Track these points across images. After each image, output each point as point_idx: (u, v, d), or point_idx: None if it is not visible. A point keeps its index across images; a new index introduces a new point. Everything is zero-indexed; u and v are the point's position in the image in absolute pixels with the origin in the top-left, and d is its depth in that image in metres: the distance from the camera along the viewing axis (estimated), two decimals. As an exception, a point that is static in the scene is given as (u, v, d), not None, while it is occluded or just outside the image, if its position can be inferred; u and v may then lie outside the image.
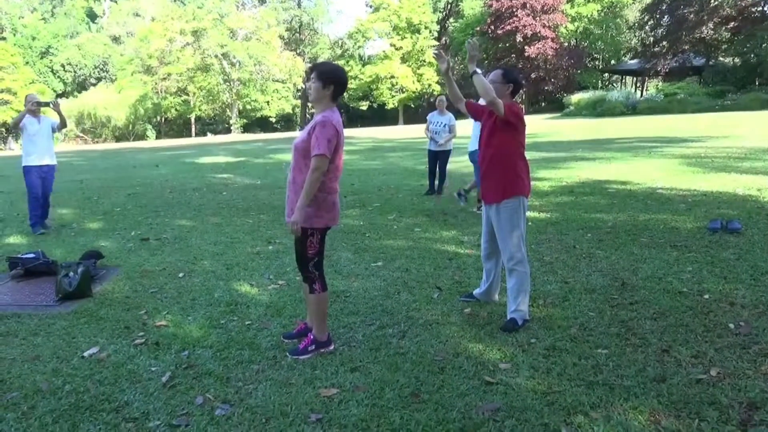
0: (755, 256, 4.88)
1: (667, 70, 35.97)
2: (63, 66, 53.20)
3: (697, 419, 2.52)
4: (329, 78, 3.18)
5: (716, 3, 34.16)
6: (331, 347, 3.42)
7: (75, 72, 53.77)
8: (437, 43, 50.60)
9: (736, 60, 35.73)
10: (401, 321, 3.83)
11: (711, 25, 34.43)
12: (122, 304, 4.37)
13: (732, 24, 33.91)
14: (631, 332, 3.48)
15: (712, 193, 7.80)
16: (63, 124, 7.33)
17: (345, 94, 3.43)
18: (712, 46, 35.85)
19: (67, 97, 50.62)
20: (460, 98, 3.97)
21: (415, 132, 27.63)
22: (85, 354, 3.46)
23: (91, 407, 2.84)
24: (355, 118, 52.38)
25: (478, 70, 3.53)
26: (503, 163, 3.68)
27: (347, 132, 33.36)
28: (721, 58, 36.67)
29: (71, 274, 4.51)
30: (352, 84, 47.25)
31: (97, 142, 46.50)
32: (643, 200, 7.59)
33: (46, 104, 7.20)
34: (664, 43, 36.49)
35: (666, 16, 36.88)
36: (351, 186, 10.53)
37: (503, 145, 3.67)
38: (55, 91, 50.99)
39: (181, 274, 5.14)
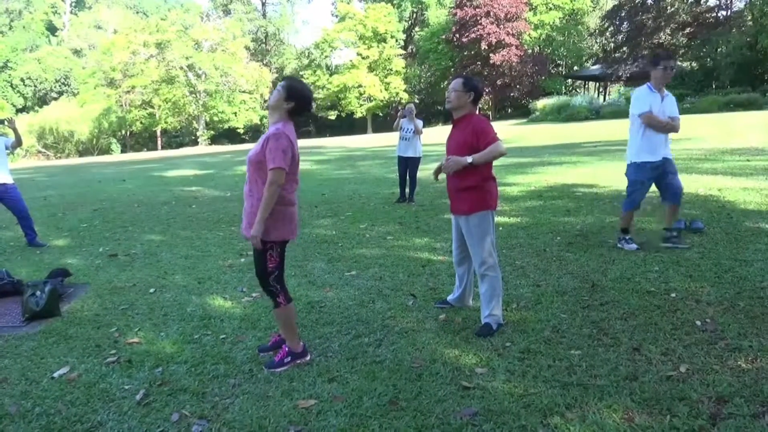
0: (718, 254, 5.03)
1: (628, 75, 36.85)
2: (23, 80, 51.85)
3: (669, 415, 2.58)
4: (294, 95, 3.18)
5: (672, 9, 35.24)
6: (308, 358, 3.41)
7: (35, 86, 52.45)
8: (403, 52, 50.94)
9: (694, 64, 36.90)
10: (377, 329, 3.84)
11: (668, 30, 35.50)
12: (92, 322, 4.28)
13: (688, 30, 35.02)
14: (603, 332, 3.55)
15: (675, 194, 7.99)
16: (18, 142, 7.10)
17: (314, 103, 3.43)
18: (670, 51, 36.92)
19: (27, 112, 49.32)
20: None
21: (384, 140, 27.73)
22: (55, 374, 3.38)
23: (62, 429, 2.78)
24: (324, 128, 52.23)
25: (469, 159, 3.56)
26: (473, 178, 3.68)
27: (317, 142, 33.35)
28: (679, 63, 37.76)
29: (38, 293, 4.40)
30: (320, 94, 47.20)
31: (59, 157, 45.31)
32: (609, 202, 7.75)
33: (0, 122, 6.99)
34: (625, 48, 37.40)
35: (625, 23, 37.83)
36: (322, 195, 10.51)
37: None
38: (14, 106, 49.68)
39: (152, 290, 5.06)
